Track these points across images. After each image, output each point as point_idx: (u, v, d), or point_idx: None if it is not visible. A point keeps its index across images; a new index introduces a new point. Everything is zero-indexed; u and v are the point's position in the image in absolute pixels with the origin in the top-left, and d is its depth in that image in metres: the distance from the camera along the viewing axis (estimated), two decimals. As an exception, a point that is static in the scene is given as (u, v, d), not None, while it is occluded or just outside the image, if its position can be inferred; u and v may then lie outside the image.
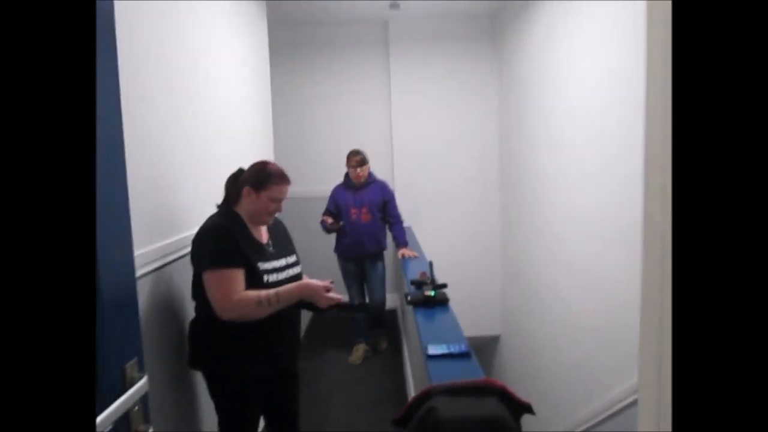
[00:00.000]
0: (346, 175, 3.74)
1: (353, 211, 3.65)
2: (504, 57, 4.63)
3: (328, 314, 1.88)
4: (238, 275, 1.65)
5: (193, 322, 1.79)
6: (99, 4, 1.08)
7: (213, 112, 2.36)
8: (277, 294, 1.66)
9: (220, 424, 1.82)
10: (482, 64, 4.89)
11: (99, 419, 1.01)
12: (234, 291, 1.63)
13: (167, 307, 1.81)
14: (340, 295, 1.87)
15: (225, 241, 1.67)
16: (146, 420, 1.16)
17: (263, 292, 1.65)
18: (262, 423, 2.09)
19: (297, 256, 1.91)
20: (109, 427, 1.04)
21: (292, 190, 1.85)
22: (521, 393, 1.39)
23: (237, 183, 1.80)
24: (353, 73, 4.97)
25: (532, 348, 3.99)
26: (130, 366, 1.14)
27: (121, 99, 1.13)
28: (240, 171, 1.84)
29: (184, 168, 1.97)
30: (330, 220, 3.60)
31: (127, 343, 1.16)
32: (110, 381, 1.11)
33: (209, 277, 1.64)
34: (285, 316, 1.78)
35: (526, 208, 4.13)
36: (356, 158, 3.64)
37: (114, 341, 1.12)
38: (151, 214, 1.69)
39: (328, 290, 1.74)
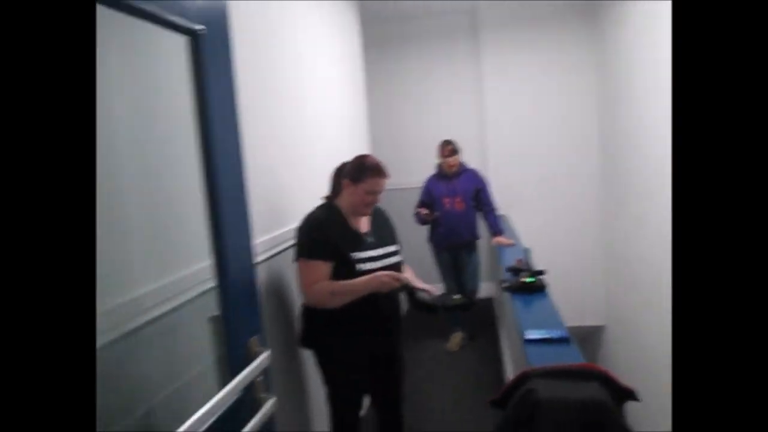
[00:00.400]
0: (439, 165, 3.77)
1: (447, 200, 3.68)
2: (606, 34, 4.40)
3: (428, 313, 1.94)
4: (322, 267, 1.78)
5: (304, 305, 1.93)
6: (215, 17, 1.22)
7: (314, 112, 2.52)
8: (351, 284, 1.78)
9: (328, 397, 1.97)
10: (579, 44, 4.68)
11: (228, 388, 1.15)
12: (314, 281, 1.78)
13: (279, 291, 1.98)
14: (435, 286, 1.94)
15: (316, 233, 1.82)
16: (268, 389, 1.30)
17: (337, 284, 1.78)
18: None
19: (398, 246, 2.00)
20: (237, 396, 1.18)
21: (386, 181, 1.94)
22: (628, 383, 1.37)
23: (338, 176, 1.92)
24: (443, 64, 4.98)
25: (639, 339, 3.79)
26: (253, 341, 1.28)
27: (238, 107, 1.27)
28: (343, 165, 1.95)
29: (291, 166, 2.13)
30: (425, 211, 3.66)
31: (250, 321, 1.31)
32: (237, 354, 1.25)
33: (299, 266, 1.82)
34: (384, 302, 1.88)
35: (629, 193, 3.92)
36: (448, 148, 3.67)
37: (238, 319, 1.26)
38: (265, 208, 1.85)
39: (397, 279, 1.81)
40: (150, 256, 1.27)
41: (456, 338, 3.95)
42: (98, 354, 1.09)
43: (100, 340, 1.11)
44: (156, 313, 1.24)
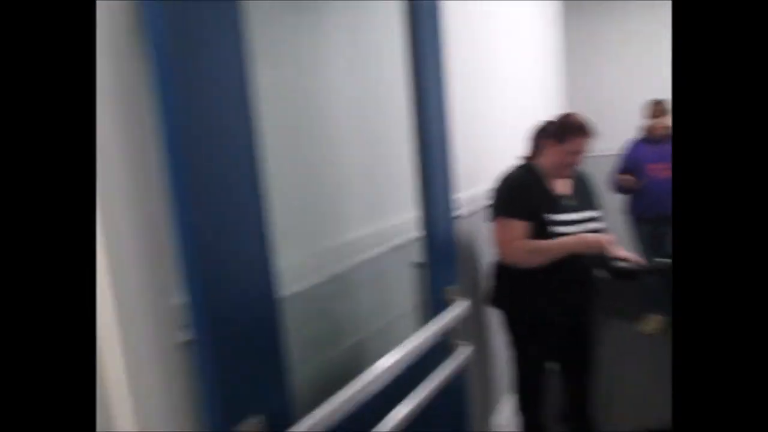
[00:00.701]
0: (646, 128, 3.41)
1: (653, 167, 3.32)
2: None
3: (627, 280, 1.82)
4: (519, 225, 1.76)
5: (495, 264, 1.95)
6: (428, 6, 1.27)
7: (509, 71, 2.47)
8: (551, 244, 1.73)
9: (513, 359, 1.98)
10: None
11: (428, 331, 1.24)
12: (512, 238, 1.76)
13: (468, 249, 2.03)
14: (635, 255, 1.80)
15: (514, 192, 1.79)
16: (463, 337, 1.37)
17: (537, 242, 1.74)
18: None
19: (601, 212, 1.89)
20: (435, 339, 1.26)
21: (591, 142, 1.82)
22: None
23: (539, 136, 1.87)
24: (649, 18, 4.41)
25: None
26: (451, 290, 1.35)
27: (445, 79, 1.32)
28: (544, 124, 1.89)
29: (485, 126, 2.14)
30: (626, 178, 3.35)
31: (449, 271, 1.38)
32: (436, 300, 1.33)
33: (496, 224, 1.82)
34: (580, 267, 1.81)
35: None
36: (658, 108, 3.28)
37: (439, 268, 1.34)
38: (460, 168, 1.90)
39: (604, 243, 1.71)
40: (363, 205, 1.41)
41: (653, 321, 3.60)
42: (317, 288, 1.26)
43: (320, 276, 1.28)
44: (366, 255, 1.38)
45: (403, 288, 1.46)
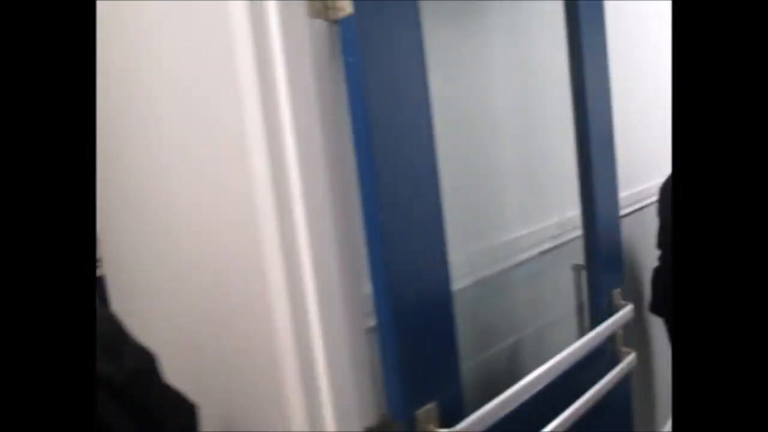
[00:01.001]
0: None
1: None
2: None
3: None
4: None
5: (656, 269, 1.82)
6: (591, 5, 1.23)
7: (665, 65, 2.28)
8: None
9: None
10: None
11: (590, 335, 1.20)
12: None
13: (633, 250, 1.90)
14: None
15: None
16: (628, 344, 1.30)
17: None
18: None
19: None
20: (597, 344, 1.22)
21: None
22: None
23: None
24: None
25: None
26: (616, 293, 1.29)
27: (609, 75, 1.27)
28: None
29: (646, 120, 2.00)
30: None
31: (613, 273, 1.31)
32: (599, 304, 1.28)
33: None
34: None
35: None
36: None
37: (602, 270, 1.29)
38: (625, 166, 1.79)
39: None
40: (522, 204, 1.40)
41: None
42: (475, 287, 1.28)
43: (478, 274, 1.30)
44: (525, 255, 1.37)
45: (561, 290, 1.42)
